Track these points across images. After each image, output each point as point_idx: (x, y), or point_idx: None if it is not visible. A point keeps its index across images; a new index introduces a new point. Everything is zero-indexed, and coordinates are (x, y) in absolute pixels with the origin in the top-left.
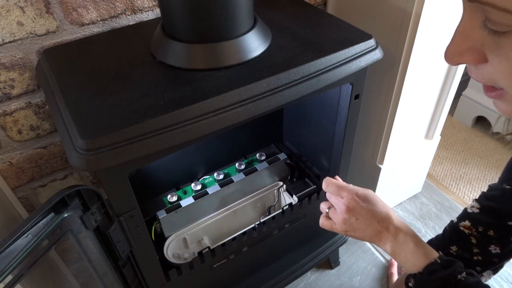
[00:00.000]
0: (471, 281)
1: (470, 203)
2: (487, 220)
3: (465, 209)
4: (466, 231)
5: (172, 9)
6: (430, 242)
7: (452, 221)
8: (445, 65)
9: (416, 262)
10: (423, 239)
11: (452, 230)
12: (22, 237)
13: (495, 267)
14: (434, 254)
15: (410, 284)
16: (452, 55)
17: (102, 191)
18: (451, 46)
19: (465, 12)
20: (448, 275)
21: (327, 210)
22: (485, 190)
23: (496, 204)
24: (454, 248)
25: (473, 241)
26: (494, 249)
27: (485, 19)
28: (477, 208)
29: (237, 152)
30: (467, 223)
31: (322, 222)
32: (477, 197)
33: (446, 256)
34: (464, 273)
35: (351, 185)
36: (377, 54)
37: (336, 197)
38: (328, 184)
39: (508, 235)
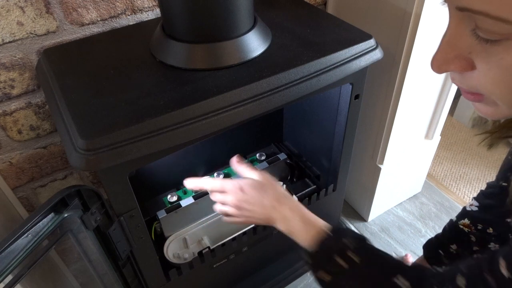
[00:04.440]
0: (361, 245)
1: (468, 201)
2: (486, 217)
3: (464, 208)
4: (466, 229)
5: (172, 9)
6: (430, 241)
7: (451, 220)
8: None
9: (308, 237)
10: (423, 239)
11: (451, 228)
12: (22, 237)
13: None
14: (321, 225)
15: (308, 261)
16: (439, 64)
17: (102, 191)
18: (438, 55)
19: (452, 20)
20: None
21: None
22: (483, 189)
23: (494, 202)
24: (454, 246)
25: (473, 239)
26: (493, 246)
27: (474, 27)
28: (476, 206)
29: (237, 152)
30: (466, 221)
31: (224, 219)
32: (475, 196)
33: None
34: (354, 243)
35: (226, 180)
36: (377, 54)
37: (223, 196)
38: (201, 186)
39: (507, 232)
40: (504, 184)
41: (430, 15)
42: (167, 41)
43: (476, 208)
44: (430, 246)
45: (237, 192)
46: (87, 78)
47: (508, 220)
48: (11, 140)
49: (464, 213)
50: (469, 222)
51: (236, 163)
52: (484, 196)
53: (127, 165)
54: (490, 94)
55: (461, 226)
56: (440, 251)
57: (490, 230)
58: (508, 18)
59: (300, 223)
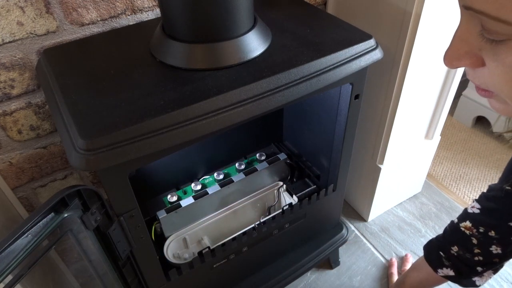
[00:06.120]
0: None
1: (470, 203)
2: (488, 221)
3: (466, 210)
4: (467, 231)
5: (172, 9)
6: (431, 242)
7: (452, 222)
8: None
9: None
10: (423, 239)
11: (452, 230)
12: (22, 237)
13: (496, 267)
14: None
15: None
16: (450, 59)
17: (102, 191)
18: (450, 50)
19: (462, 19)
20: None
21: None
22: (485, 191)
23: (496, 205)
24: (455, 248)
25: (474, 241)
26: (495, 249)
27: (481, 29)
28: (477, 208)
29: (237, 152)
30: (467, 223)
31: None
32: (477, 197)
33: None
34: None
35: None
36: (377, 54)
37: None
38: None
39: (509, 235)
40: (507, 187)
41: (430, 15)
42: (167, 41)
43: (477, 211)
44: (431, 247)
45: None
46: (87, 78)
47: (511, 224)
48: (11, 140)
49: (465, 215)
50: (470, 224)
51: None
52: (486, 199)
53: (127, 165)
54: (499, 92)
55: (463, 229)
56: (441, 253)
57: (492, 233)
58: (507, 18)
59: None
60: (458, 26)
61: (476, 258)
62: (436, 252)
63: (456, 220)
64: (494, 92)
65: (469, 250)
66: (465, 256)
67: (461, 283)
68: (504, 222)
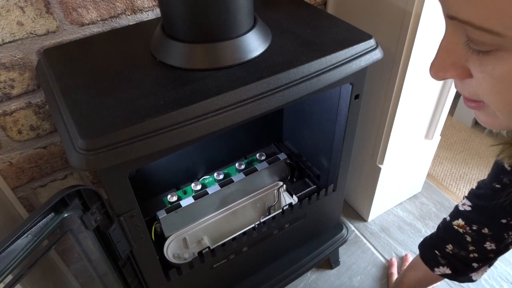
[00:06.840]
0: None
1: (461, 200)
2: (480, 218)
3: (457, 207)
4: (460, 229)
5: (172, 9)
6: (425, 241)
7: (445, 219)
8: None
9: None
10: (422, 239)
11: (446, 229)
12: (22, 237)
13: (491, 262)
14: None
15: None
16: (436, 71)
17: (102, 191)
18: (436, 61)
19: (447, 29)
20: None
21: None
22: (474, 188)
23: (487, 203)
24: (450, 247)
25: (468, 239)
26: (489, 245)
27: (467, 39)
28: (468, 206)
29: (237, 152)
30: (460, 221)
31: None
32: (467, 195)
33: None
34: None
35: None
36: (377, 54)
37: None
38: None
39: (503, 232)
40: (497, 185)
41: (430, 15)
42: (167, 41)
43: (469, 208)
44: (426, 247)
45: None
46: (87, 78)
47: (503, 221)
48: (11, 140)
49: (457, 213)
50: (463, 222)
51: None
52: (476, 197)
53: (127, 165)
54: (488, 103)
55: (456, 227)
56: (436, 252)
57: (486, 230)
58: (492, 28)
59: None
60: (444, 36)
61: (472, 255)
62: (431, 251)
63: (448, 218)
64: (485, 102)
65: (463, 247)
66: (461, 254)
67: (458, 279)
68: (497, 219)
